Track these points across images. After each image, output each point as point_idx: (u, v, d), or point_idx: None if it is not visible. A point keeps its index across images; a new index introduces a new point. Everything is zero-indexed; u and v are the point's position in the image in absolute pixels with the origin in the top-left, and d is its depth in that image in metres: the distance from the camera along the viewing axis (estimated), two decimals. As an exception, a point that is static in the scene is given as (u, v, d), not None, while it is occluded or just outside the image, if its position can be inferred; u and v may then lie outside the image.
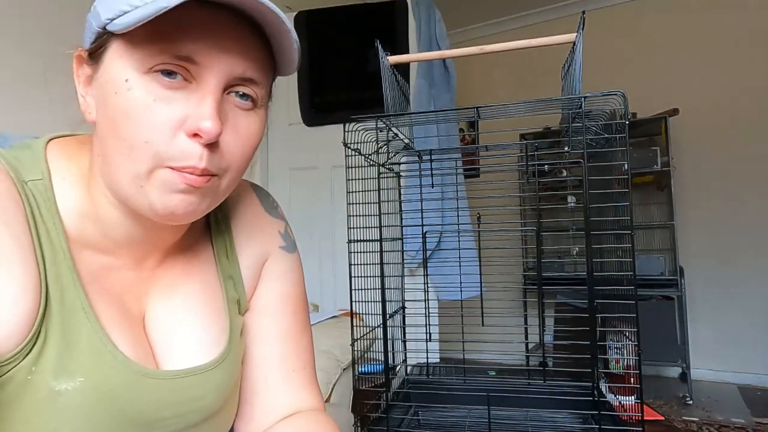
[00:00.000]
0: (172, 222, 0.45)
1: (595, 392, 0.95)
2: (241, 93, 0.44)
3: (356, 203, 1.02)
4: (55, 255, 0.43)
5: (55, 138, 0.50)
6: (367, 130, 1.00)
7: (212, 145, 0.43)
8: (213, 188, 0.45)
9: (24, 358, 0.40)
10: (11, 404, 0.40)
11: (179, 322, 0.51)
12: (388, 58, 1.03)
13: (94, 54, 0.44)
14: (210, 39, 0.41)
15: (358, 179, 1.02)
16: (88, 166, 0.48)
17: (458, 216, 1.40)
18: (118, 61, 0.42)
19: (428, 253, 1.34)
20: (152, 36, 0.40)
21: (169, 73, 0.41)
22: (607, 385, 1.16)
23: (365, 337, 1.07)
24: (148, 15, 0.37)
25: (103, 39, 0.43)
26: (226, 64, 0.42)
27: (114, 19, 0.40)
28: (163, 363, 0.49)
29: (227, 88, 0.44)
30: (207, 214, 0.56)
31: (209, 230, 0.57)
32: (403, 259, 1.26)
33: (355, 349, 1.04)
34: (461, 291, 1.24)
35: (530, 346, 2.63)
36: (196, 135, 0.41)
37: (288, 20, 0.42)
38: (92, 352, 0.43)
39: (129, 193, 0.43)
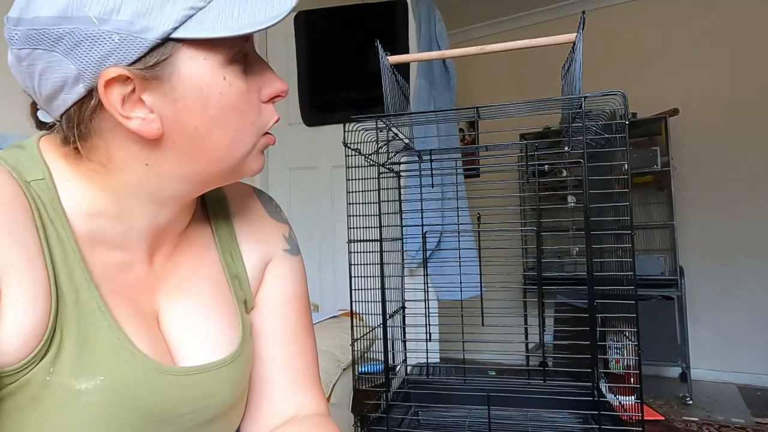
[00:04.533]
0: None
1: (595, 392, 0.95)
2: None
3: (356, 203, 1.02)
4: (66, 256, 0.43)
5: (43, 137, 0.49)
6: (367, 130, 1.00)
7: None
8: None
9: (40, 361, 0.40)
10: (31, 405, 0.40)
11: (194, 319, 0.51)
12: (388, 58, 1.03)
13: (153, 67, 0.41)
14: None
15: (358, 179, 1.02)
16: (84, 164, 0.46)
17: (458, 216, 1.40)
18: (203, 63, 0.43)
19: (428, 253, 1.34)
20: None
21: (240, 61, 0.46)
22: (607, 385, 1.16)
23: (365, 337, 1.07)
24: (280, 15, 0.42)
25: (165, 49, 0.41)
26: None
27: (178, 27, 0.40)
28: (180, 360, 0.49)
29: None
30: (207, 213, 0.58)
31: (213, 233, 0.58)
32: (403, 259, 1.26)
33: (355, 349, 1.04)
34: (461, 291, 1.24)
35: (530, 346, 2.62)
36: (274, 97, 0.49)
37: None
38: (110, 351, 0.43)
39: (226, 172, 0.48)
